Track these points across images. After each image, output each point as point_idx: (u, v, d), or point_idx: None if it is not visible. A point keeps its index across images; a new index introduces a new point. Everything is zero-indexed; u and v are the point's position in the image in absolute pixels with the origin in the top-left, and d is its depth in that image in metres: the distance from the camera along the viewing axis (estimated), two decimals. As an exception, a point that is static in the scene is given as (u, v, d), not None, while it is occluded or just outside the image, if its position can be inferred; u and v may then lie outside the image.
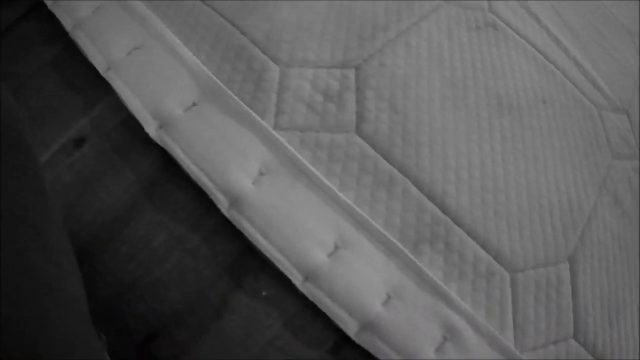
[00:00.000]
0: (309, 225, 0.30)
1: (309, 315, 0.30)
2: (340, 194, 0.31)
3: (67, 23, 0.37)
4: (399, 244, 0.30)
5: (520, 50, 0.39)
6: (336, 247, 0.30)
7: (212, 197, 0.30)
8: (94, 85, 0.37)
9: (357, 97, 0.34)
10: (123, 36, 0.36)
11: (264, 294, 0.30)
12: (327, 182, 0.31)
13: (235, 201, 0.30)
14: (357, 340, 0.29)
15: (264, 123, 0.32)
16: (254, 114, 0.32)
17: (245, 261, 0.31)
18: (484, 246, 0.32)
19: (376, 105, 0.33)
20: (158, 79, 0.34)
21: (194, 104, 0.33)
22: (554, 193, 0.34)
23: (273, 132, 0.32)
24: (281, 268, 0.29)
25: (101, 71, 0.35)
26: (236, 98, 0.33)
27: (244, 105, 0.32)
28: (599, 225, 0.35)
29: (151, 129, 0.32)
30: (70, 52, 0.39)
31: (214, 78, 0.33)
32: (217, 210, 0.31)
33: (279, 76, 0.34)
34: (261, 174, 0.31)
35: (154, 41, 0.35)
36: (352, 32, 0.36)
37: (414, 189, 0.32)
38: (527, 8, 0.41)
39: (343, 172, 0.31)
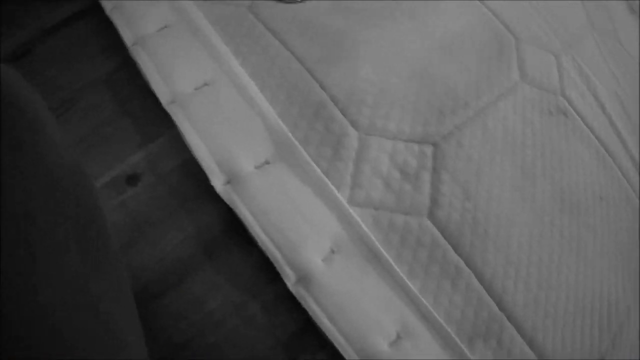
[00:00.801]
0: (375, 314, 0.29)
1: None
2: (409, 283, 0.30)
3: (127, 36, 0.34)
4: (457, 338, 0.30)
5: (585, 141, 0.39)
6: (398, 337, 0.30)
7: (278, 269, 0.29)
8: (153, 116, 0.34)
9: (433, 179, 0.33)
10: (192, 67, 0.33)
11: (320, 375, 0.30)
12: (397, 269, 0.30)
13: (304, 278, 0.29)
14: None
15: (340, 197, 0.30)
16: (331, 186, 0.30)
17: (304, 337, 0.30)
18: (530, 344, 0.33)
19: (450, 190, 0.33)
20: (230, 127, 0.32)
21: (267, 162, 0.31)
22: (597, 295, 0.35)
23: (349, 208, 0.30)
24: (341, 351, 0.29)
25: (164, 103, 0.32)
26: (313, 164, 0.31)
27: (321, 174, 0.31)
28: (630, 329, 0.37)
29: (218, 182, 0.30)
30: (128, 71, 0.35)
31: (291, 137, 0.31)
32: (280, 280, 0.30)
33: (358, 144, 0.32)
34: (332, 251, 0.30)
35: (226, 79, 0.33)
36: (433, 104, 0.35)
37: (476, 283, 0.32)
38: (595, 94, 0.41)
39: (413, 260, 0.31)
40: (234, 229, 0.31)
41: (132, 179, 0.32)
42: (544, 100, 0.38)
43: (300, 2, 0.36)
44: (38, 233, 0.18)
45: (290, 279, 0.29)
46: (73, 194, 0.20)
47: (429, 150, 0.33)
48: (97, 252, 0.20)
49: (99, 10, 0.38)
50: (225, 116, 0.32)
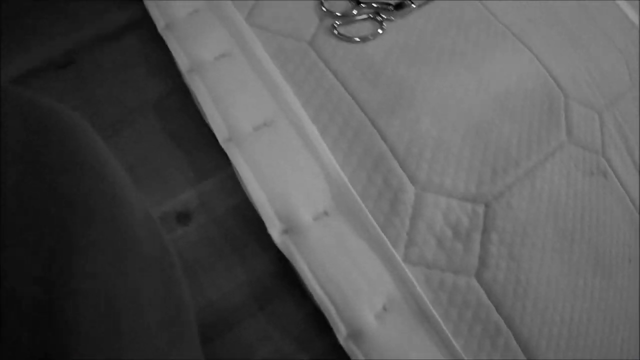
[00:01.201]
0: (422, 372, 0.30)
1: None
2: (454, 342, 0.31)
3: (182, 61, 0.33)
4: (493, 397, 0.31)
5: (620, 204, 0.40)
6: (440, 394, 0.31)
7: (331, 323, 0.29)
8: (207, 151, 0.33)
9: (482, 239, 0.33)
10: (251, 104, 0.32)
11: None
12: (444, 328, 0.31)
13: (356, 334, 0.29)
14: None
15: (396, 255, 0.30)
16: (387, 243, 0.30)
17: (350, 391, 0.31)
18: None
19: (498, 251, 0.33)
20: (289, 174, 0.31)
21: (326, 214, 0.31)
22: (618, 357, 0.37)
23: (404, 266, 0.30)
24: (386, 406, 0.30)
25: (221, 140, 0.31)
26: (371, 218, 0.31)
27: (379, 230, 0.31)
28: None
29: (275, 231, 0.30)
30: (180, 97, 0.34)
31: (352, 189, 0.31)
32: (330, 333, 0.30)
33: (415, 200, 0.32)
34: (385, 309, 0.30)
35: (287, 121, 0.32)
36: (487, 162, 0.35)
37: (514, 343, 0.33)
38: (632, 155, 0.42)
39: (458, 319, 0.31)
40: (286, 278, 0.31)
41: (182, 218, 0.31)
42: (587, 160, 0.39)
43: (359, 41, 0.35)
44: (126, 322, 0.17)
45: (341, 333, 0.29)
46: (160, 277, 0.19)
47: (481, 210, 0.34)
48: (182, 338, 0.20)
49: (151, 22, 0.36)
50: (285, 161, 0.31)
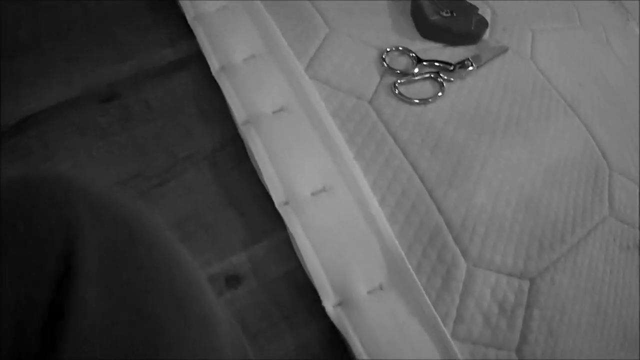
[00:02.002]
0: None
1: None
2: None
3: (238, 112, 0.31)
4: None
5: (649, 277, 0.41)
6: None
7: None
8: (261, 212, 0.32)
9: (525, 316, 0.33)
10: (311, 167, 0.31)
11: None
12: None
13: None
14: None
15: (446, 333, 0.30)
16: (439, 321, 0.30)
17: None
18: None
19: (538, 327, 0.34)
20: (347, 244, 0.30)
21: (380, 287, 0.30)
22: None
23: (452, 343, 0.30)
24: None
25: (277, 203, 0.30)
26: (425, 295, 0.30)
27: (431, 306, 0.30)
28: None
29: (329, 303, 0.29)
30: (235, 149, 0.32)
31: (407, 264, 0.31)
32: None
33: (466, 276, 0.32)
34: (431, 386, 0.30)
35: (346, 187, 0.31)
36: (535, 237, 0.35)
37: (546, 417, 0.33)
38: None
39: (498, 395, 0.32)
40: (335, 348, 0.31)
41: (232, 281, 0.31)
42: (625, 233, 0.39)
43: (420, 103, 0.34)
44: None
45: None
46: None
47: (526, 286, 0.34)
48: None
49: (203, 61, 0.34)
50: (342, 230, 0.30)
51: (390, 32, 0.38)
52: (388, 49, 0.37)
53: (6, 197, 0.17)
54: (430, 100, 0.35)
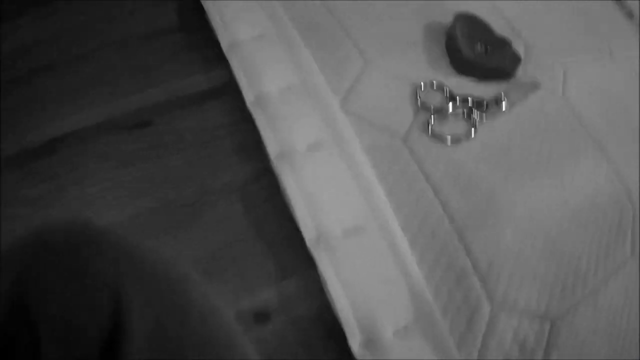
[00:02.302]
0: None
1: None
2: None
3: (271, 146, 0.31)
4: None
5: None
6: None
7: None
8: (291, 248, 0.32)
9: (544, 356, 0.34)
10: (344, 206, 0.32)
11: None
12: None
13: None
14: None
15: None
16: (462, 362, 0.31)
17: None
18: None
19: (556, 368, 0.34)
20: (375, 284, 0.31)
21: (406, 329, 0.31)
22: None
23: None
24: None
25: (308, 240, 0.31)
26: (449, 338, 0.31)
27: (454, 348, 0.31)
28: None
29: (355, 343, 0.30)
30: (267, 183, 0.32)
31: (434, 306, 0.31)
32: None
33: (489, 318, 0.33)
34: None
35: (378, 228, 0.32)
36: (558, 279, 0.35)
37: None
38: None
39: None
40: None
41: (260, 317, 0.31)
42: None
43: (451, 143, 0.34)
44: None
45: None
46: None
47: (547, 327, 0.34)
48: None
49: (236, 90, 0.33)
50: (372, 271, 0.31)
51: (424, 65, 0.38)
52: (422, 85, 0.36)
53: (51, 250, 0.18)
54: (462, 139, 0.35)
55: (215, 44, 0.38)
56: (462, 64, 0.38)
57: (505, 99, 0.38)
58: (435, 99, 0.37)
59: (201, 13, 0.40)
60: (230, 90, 0.35)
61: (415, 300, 0.32)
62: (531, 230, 0.36)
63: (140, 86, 0.36)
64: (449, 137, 0.35)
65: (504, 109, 0.37)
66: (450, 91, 0.37)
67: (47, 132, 0.36)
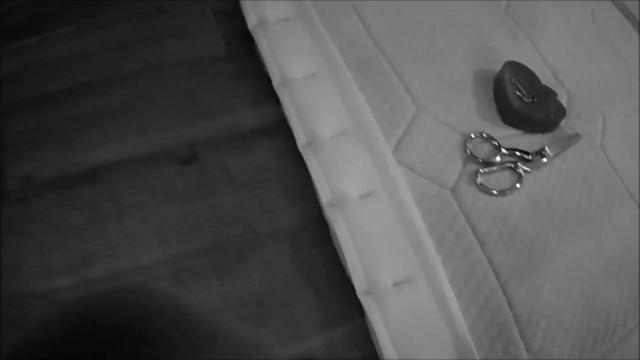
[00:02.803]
0: None
1: None
2: None
3: (324, 193, 0.31)
4: None
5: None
6: None
7: None
8: (340, 296, 0.32)
9: None
10: (394, 258, 0.32)
11: None
12: None
13: None
14: None
15: None
16: (501, 413, 0.31)
17: None
18: None
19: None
20: (423, 337, 0.31)
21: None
22: None
23: None
24: None
25: (358, 290, 0.31)
26: (490, 388, 0.31)
27: None
28: None
29: None
30: (317, 230, 0.32)
31: (476, 357, 0.31)
32: None
33: (526, 368, 0.33)
34: None
35: (425, 281, 0.32)
36: (590, 330, 0.36)
37: None
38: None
39: None
40: None
41: (307, 365, 0.31)
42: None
43: (498, 195, 0.35)
44: None
45: None
46: None
47: (577, 377, 0.35)
48: None
49: (288, 131, 0.33)
50: (419, 322, 0.31)
51: (473, 115, 0.38)
52: (472, 136, 0.37)
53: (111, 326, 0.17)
54: (508, 191, 0.36)
55: (264, 76, 0.38)
56: (510, 115, 0.39)
57: (549, 151, 0.38)
58: (483, 150, 0.37)
59: (249, 42, 0.39)
60: (280, 130, 0.34)
61: (460, 352, 0.32)
62: (568, 283, 0.37)
63: (187, 118, 0.35)
64: (495, 190, 0.35)
65: (547, 160, 0.38)
66: (498, 143, 0.38)
67: (88, 159, 0.35)
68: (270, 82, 0.38)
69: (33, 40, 0.45)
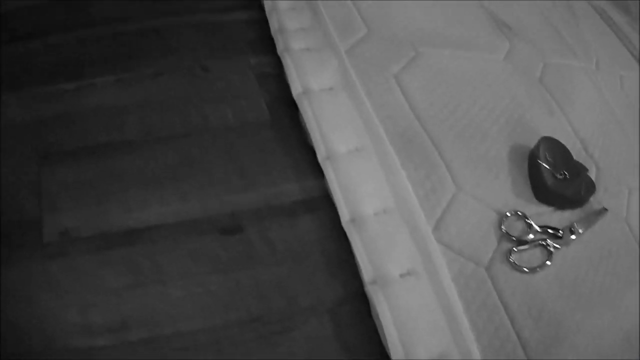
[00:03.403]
0: None
1: None
2: None
3: (367, 271, 0.32)
4: None
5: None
6: None
7: None
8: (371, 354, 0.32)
9: None
10: (429, 333, 0.32)
11: None
12: None
13: None
14: None
15: None
16: None
17: None
18: None
19: None
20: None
21: None
22: None
23: None
24: None
25: (394, 355, 0.31)
26: None
27: None
28: None
29: None
30: (358, 306, 0.34)
31: None
32: None
33: None
34: None
35: (459, 357, 0.32)
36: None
37: None
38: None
39: None
40: None
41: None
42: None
43: (529, 272, 0.36)
44: None
45: None
46: None
47: None
48: None
49: (331, 205, 0.34)
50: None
51: (508, 193, 0.40)
52: (508, 214, 0.38)
53: None
54: (539, 269, 0.37)
55: (307, 146, 0.38)
56: (543, 192, 0.40)
57: (578, 227, 0.40)
58: (517, 228, 0.39)
59: (293, 110, 0.40)
60: (324, 204, 0.35)
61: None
62: (589, 356, 0.38)
63: (230, 186, 0.36)
64: (527, 267, 0.37)
65: (575, 237, 0.39)
66: (531, 221, 0.39)
67: (128, 220, 0.36)
68: (313, 151, 0.38)
69: (70, 86, 0.45)
